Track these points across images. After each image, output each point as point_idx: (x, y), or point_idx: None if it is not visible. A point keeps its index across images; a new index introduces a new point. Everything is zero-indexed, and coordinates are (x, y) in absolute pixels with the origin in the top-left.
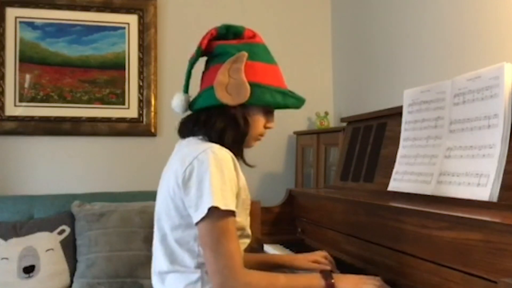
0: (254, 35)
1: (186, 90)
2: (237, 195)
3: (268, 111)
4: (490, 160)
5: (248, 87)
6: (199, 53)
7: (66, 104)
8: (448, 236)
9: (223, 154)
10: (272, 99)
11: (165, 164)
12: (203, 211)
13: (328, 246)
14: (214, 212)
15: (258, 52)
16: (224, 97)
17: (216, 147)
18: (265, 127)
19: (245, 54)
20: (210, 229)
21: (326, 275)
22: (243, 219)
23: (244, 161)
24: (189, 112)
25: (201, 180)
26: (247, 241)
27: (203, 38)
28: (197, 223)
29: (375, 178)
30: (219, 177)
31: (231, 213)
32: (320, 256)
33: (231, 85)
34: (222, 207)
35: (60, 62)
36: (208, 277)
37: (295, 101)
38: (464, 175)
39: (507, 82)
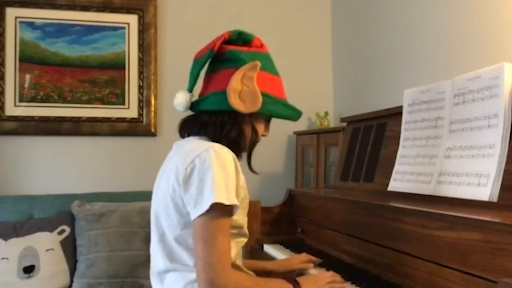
0: (262, 45)
1: (191, 89)
2: (237, 194)
3: (268, 120)
4: (490, 160)
5: (261, 96)
6: (211, 55)
7: (66, 104)
8: (448, 236)
9: (225, 152)
10: (278, 111)
11: None
12: (203, 208)
13: (328, 246)
14: (216, 208)
15: (266, 63)
16: (238, 104)
17: (217, 146)
18: (261, 135)
19: (258, 63)
20: (209, 223)
21: (291, 279)
22: (241, 217)
23: (251, 168)
24: (188, 112)
25: (202, 178)
26: (244, 240)
27: (217, 40)
28: (195, 219)
29: (375, 178)
30: (222, 174)
31: (232, 210)
32: (304, 257)
33: (244, 92)
34: (227, 202)
35: (60, 62)
36: (197, 271)
37: (295, 114)
38: (464, 175)
39: (507, 82)
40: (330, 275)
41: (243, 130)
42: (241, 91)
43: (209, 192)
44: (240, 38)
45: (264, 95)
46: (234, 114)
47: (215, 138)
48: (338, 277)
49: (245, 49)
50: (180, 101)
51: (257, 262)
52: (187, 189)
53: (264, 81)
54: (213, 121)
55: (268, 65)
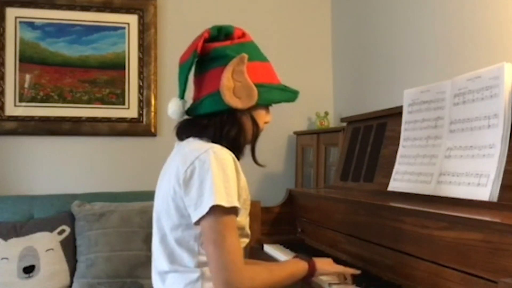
0: (243, 34)
1: (182, 96)
2: (238, 195)
3: (267, 108)
4: (490, 160)
5: (255, 88)
6: (195, 57)
7: (66, 104)
8: (448, 236)
9: (224, 154)
10: (275, 97)
11: None
12: (203, 210)
13: (328, 246)
14: (217, 210)
15: (252, 52)
16: (234, 102)
17: (217, 147)
18: (264, 123)
19: (246, 56)
20: (215, 224)
21: (305, 257)
22: (243, 218)
23: (256, 162)
24: (185, 116)
25: (202, 180)
26: (246, 240)
27: (197, 41)
28: (197, 222)
29: (375, 178)
30: (221, 176)
31: (235, 210)
32: None
33: (238, 88)
34: (226, 204)
35: (60, 62)
36: (212, 273)
37: (292, 95)
38: (464, 175)
39: (507, 82)
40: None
41: (243, 126)
42: (234, 87)
43: (209, 195)
44: (220, 33)
45: (258, 86)
46: (232, 112)
47: (215, 139)
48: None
49: (228, 43)
50: (174, 109)
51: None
52: (187, 192)
53: (255, 72)
54: (213, 123)
55: (254, 54)
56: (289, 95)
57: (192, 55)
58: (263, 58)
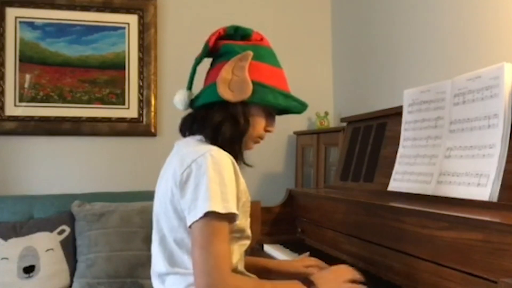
0: (262, 38)
1: (189, 87)
2: (237, 198)
3: (269, 114)
4: (490, 160)
5: (251, 84)
6: (206, 50)
7: (66, 104)
8: (448, 236)
9: (222, 157)
10: (274, 100)
11: None
12: (196, 215)
13: (328, 246)
14: (211, 216)
15: (264, 54)
16: (226, 93)
17: (215, 149)
18: (265, 130)
19: (250, 53)
20: (204, 228)
21: (306, 281)
22: (243, 221)
23: (243, 161)
24: (190, 110)
25: (197, 183)
26: (247, 242)
27: (211, 36)
28: (191, 225)
29: (375, 178)
30: (217, 181)
31: (231, 217)
32: (310, 261)
33: (234, 82)
34: (222, 210)
35: (60, 62)
36: (195, 278)
37: (298, 105)
38: (464, 175)
39: (507, 82)
40: (347, 271)
41: (230, 117)
42: (231, 80)
43: (203, 200)
44: (237, 33)
45: (256, 83)
46: (224, 105)
47: (212, 136)
48: (355, 273)
49: (241, 43)
50: (178, 98)
51: (258, 260)
52: (183, 195)
53: (259, 71)
54: (206, 115)
55: (267, 57)
56: (294, 104)
57: (203, 48)
58: (275, 64)
